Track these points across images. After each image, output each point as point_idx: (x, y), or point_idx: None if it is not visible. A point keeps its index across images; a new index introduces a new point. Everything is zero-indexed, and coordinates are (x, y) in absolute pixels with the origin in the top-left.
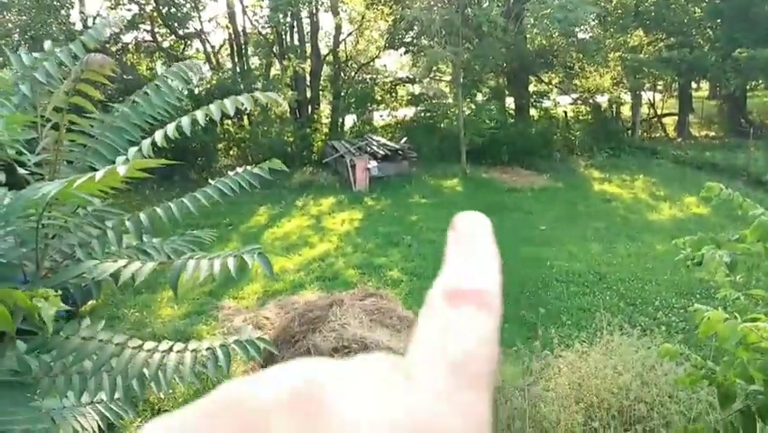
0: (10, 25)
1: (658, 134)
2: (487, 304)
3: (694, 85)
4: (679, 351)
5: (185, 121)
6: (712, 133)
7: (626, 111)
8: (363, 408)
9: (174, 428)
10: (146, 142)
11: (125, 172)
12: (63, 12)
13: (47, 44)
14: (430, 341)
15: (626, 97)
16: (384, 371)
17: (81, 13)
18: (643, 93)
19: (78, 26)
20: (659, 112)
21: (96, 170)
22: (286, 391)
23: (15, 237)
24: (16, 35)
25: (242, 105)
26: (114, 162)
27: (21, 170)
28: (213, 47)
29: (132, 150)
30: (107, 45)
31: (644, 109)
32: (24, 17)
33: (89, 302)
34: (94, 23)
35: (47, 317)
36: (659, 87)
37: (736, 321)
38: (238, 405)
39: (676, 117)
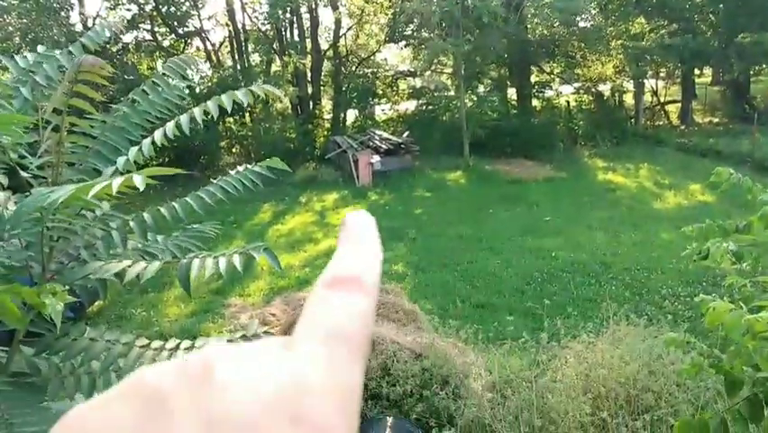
0: (11, 29)
1: (661, 122)
2: (361, 288)
3: (697, 71)
4: (684, 340)
5: (183, 119)
6: (716, 120)
7: (628, 99)
8: (244, 372)
9: (90, 408)
10: (146, 142)
11: (142, 183)
12: (63, 13)
13: (41, 48)
14: (309, 319)
15: (629, 86)
16: (269, 345)
17: (81, 14)
18: (645, 81)
19: (79, 27)
20: (662, 99)
21: (98, 170)
22: (179, 367)
23: (21, 240)
24: (17, 38)
25: (240, 100)
26: (114, 163)
27: (23, 174)
28: (213, 45)
29: (133, 150)
30: (107, 45)
31: (647, 97)
32: (25, 20)
33: (96, 303)
34: (94, 24)
35: (55, 313)
36: (662, 75)
37: (741, 311)
38: (137, 384)
39: (679, 104)
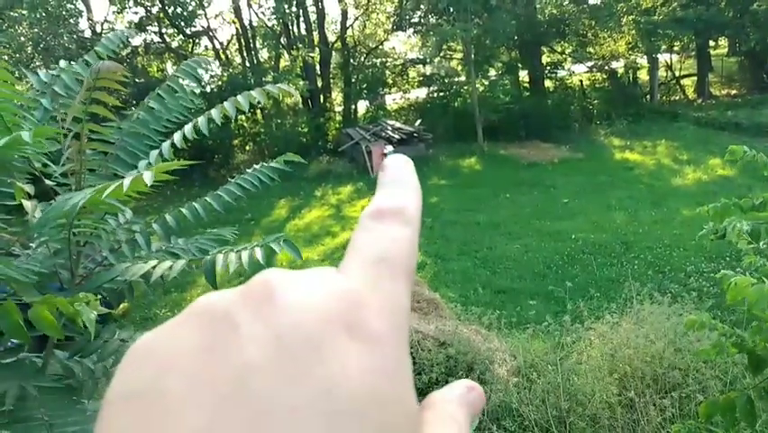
0: (23, 39)
1: (678, 97)
2: (403, 217)
3: (712, 43)
4: (705, 320)
5: (202, 121)
6: (734, 92)
7: (643, 75)
8: (301, 290)
9: (158, 333)
10: (166, 145)
11: (150, 179)
12: (72, 21)
13: (62, 63)
14: (357, 247)
15: (643, 61)
16: (322, 270)
17: (89, 20)
18: (659, 56)
19: (87, 33)
20: (677, 74)
21: (119, 175)
22: (242, 289)
23: (49, 247)
24: (29, 48)
25: (256, 99)
26: (136, 167)
27: (47, 182)
28: (221, 43)
29: (154, 153)
30: (117, 49)
31: (662, 72)
32: (36, 30)
33: (122, 305)
34: (102, 30)
35: (89, 321)
36: (676, 49)
37: (763, 285)
38: (203, 306)
39: (695, 78)
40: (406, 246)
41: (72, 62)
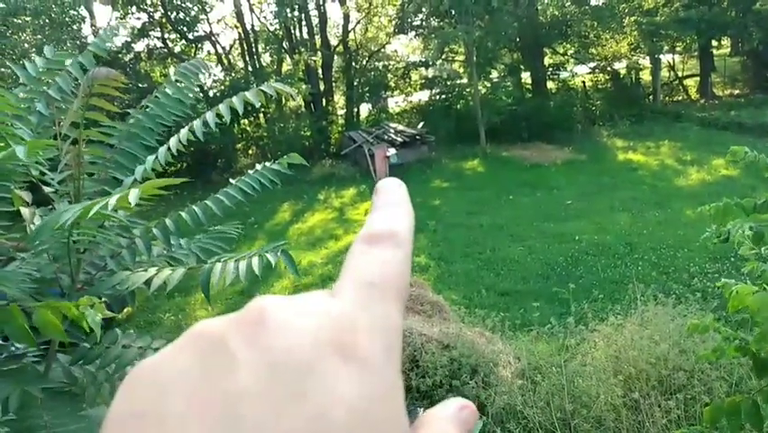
0: (26, 45)
1: (681, 97)
2: (395, 240)
3: (715, 43)
4: (709, 323)
5: (197, 124)
6: (737, 92)
7: (645, 76)
8: (295, 315)
9: (155, 359)
10: (162, 150)
11: (135, 198)
12: (75, 27)
13: (48, 52)
14: (350, 271)
15: (645, 62)
16: (315, 295)
17: (92, 26)
18: (662, 56)
19: (91, 39)
20: (680, 74)
21: (117, 180)
22: (236, 315)
23: (49, 253)
24: (33, 54)
25: (251, 101)
26: (133, 171)
27: (46, 189)
28: (223, 48)
29: (150, 159)
30: (119, 55)
31: (665, 73)
32: (39, 36)
33: (125, 309)
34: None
35: (94, 324)
36: (678, 49)
37: (765, 293)
38: (199, 332)
39: (698, 78)
40: (398, 269)
41: (64, 57)
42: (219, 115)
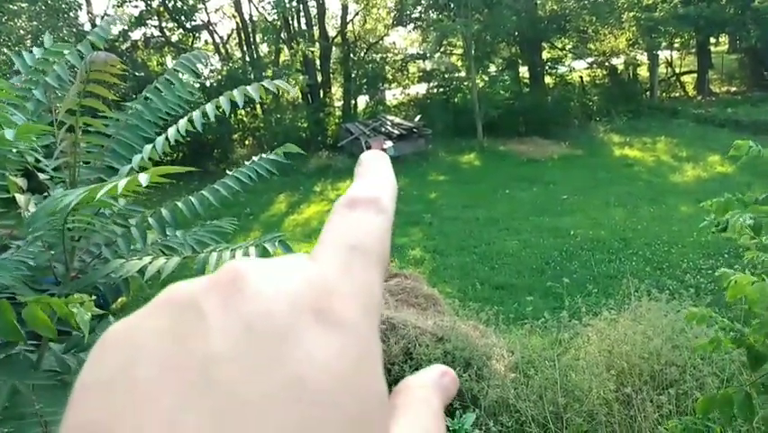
0: (22, 32)
1: (678, 94)
2: (378, 207)
3: (713, 40)
4: (706, 314)
5: (196, 115)
6: (734, 89)
7: (643, 72)
8: (271, 279)
9: (126, 322)
10: (160, 139)
11: (146, 180)
12: (71, 14)
13: (47, 41)
14: (330, 235)
15: (643, 58)
16: (293, 258)
17: (89, 14)
18: (660, 52)
19: (87, 27)
20: (677, 70)
21: (113, 169)
22: (212, 277)
23: (43, 241)
24: (29, 41)
25: (252, 95)
26: (131, 161)
27: (41, 176)
28: (221, 37)
29: (148, 147)
30: (116, 43)
31: (662, 69)
32: (35, 23)
33: (119, 299)
34: (102, 21)
35: (83, 323)
36: (676, 45)
37: (764, 283)
38: (170, 295)
39: (695, 75)
40: (379, 234)
41: (62, 45)
42: (218, 107)
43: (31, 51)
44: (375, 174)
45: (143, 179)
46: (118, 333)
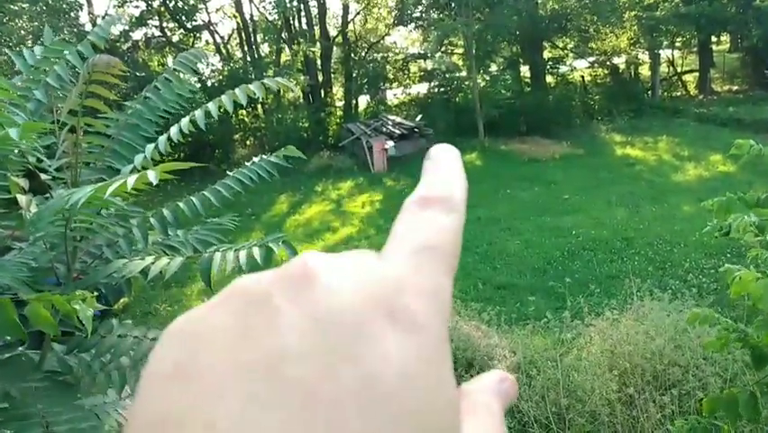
0: (23, 32)
1: (679, 93)
2: (450, 206)
3: (714, 39)
4: (708, 314)
5: (198, 114)
6: (735, 88)
7: (644, 71)
8: (342, 275)
9: (193, 315)
10: (162, 139)
11: (155, 178)
12: (72, 14)
13: (46, 36)
14: (400, 234)
15: (644, 57)
16: (364, 255)
17: (90, 14)
18: (661, 51)
19: (88, 27)
20: (679, 70)
21: (115, 169)
22: (281, 271)
23: (45, 242)
24: (30, 42)
25: (254, 93)
26: (131, 161)
27: (43, 176)
28: (222, 38)
29: (150, 147)
30: (117, 44)
31: (664, 68)
32: (36, 23)
33: (122, 300)
34: (102, 21)
35: (86, 319)
36: (677, 44)
37: None
38: (242, 289)
39: (697, 74)
40: (451, 235)
41: (62, 43)
42: (220, 106)
43: (32, 51)
44: (446, 170)
45: (152, 175)
46: (184, 325)
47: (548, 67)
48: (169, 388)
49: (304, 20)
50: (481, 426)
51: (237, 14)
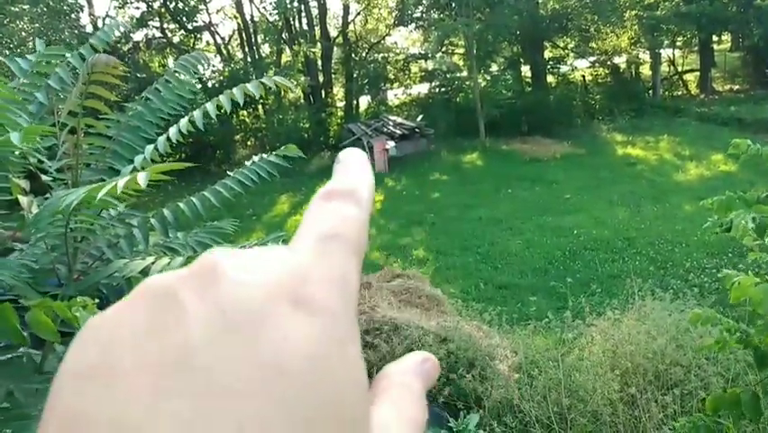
0: (24, 34)
1: (680, 92)
2: (354, 198)
3: (715, 38)
4: (710, 315)
5: (197, 114)
6: (736, 87)
7: (645, 71)
8: (248, 268)
9: (105, 315)
10: (161, 140)
11: (144, 180)
12: (73, 16)
13: (39, 45)
14: (307, 224)
15: (645, 57)
16: (270, 247)
17: (91, 15)
18: (662, 51)
19: (89, 29)
20: (680, 69)
21: (115, 170)
22: (189, 268)
23: (46, 243)
24: (30, 43)
25: (252, 92)
26: (132, 161)
27: (44, 177)
28: (223, 38)
29: (149, 148)
30: (118, 45)
31: (665, 67)
32: (37, 24)
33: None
34: (103, 25)
35: None
36: (678, 44)
37: (767, 285)
38: (148, 286)
39: (698, 73)
40: (355, 224)
41: (61, 48)
42: (219, 106)
43: (26, 57)
44: (352, 170)
45: (142, 178)
46: (97, 324)
47: (549, 66)
48: (80, 386)
49: (304, 20)
50: (398, 405)
51: (238, 15)
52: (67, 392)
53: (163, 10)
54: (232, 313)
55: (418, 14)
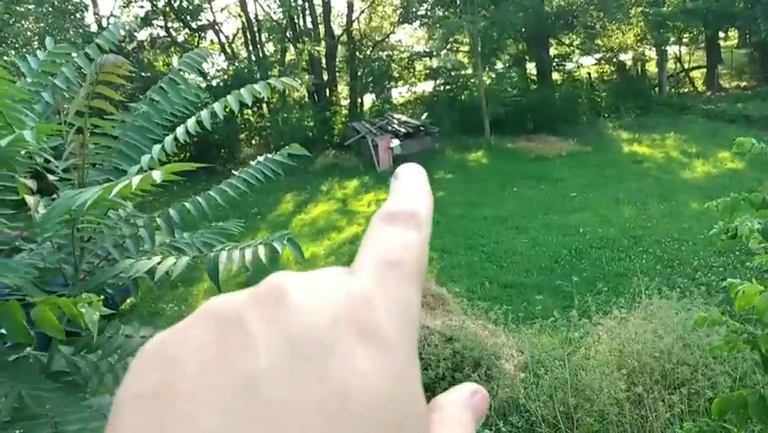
0: (29, 34)
1: (687, 89)
2: (415, 221)
3: (722, 34)
4: (716, 317)
5: (204, 114)
6: (743, 84)
7: (651, 68)
8: (312, 293)
9: (168, 336)
10: (169, 139)
11: (160, 177)
12: (78, 15)
13: (48, 42)
14: (368, 250)
15: (651, 53)
16: (333, 272)
17: (95, 14)
18: (668, 47)
19: (94, 28)
20: (686, 66)
21: (121, 170)
22: (253, 292)
23: (53, 242)
24: (35, 43)
25: (259, 93)
26: (138, 162)
27: (50, 177)
28: (227, 37)
29: (156, 147)
30: (122, 44)
31: (671, 64)
32: (42, 24)
33: (128, 300)
34: (108, 24)
35: (91, 323)
36: (685, 40)
37: None
38: (215, 309)
39: (705, 70)
40: (418, 251)
41: (68, 47)
42: (226, 106)
43: (35, 55)
44: (412, 188)
45: (157, 175)
46: (159, 345)
47: (554, 64)
48: (145, 408)
49: (308, 19)
50: None
51: (242, 14)
52: (130, 414)
53: (167, 9)
54: (299, 341)
55: (423, 12)
